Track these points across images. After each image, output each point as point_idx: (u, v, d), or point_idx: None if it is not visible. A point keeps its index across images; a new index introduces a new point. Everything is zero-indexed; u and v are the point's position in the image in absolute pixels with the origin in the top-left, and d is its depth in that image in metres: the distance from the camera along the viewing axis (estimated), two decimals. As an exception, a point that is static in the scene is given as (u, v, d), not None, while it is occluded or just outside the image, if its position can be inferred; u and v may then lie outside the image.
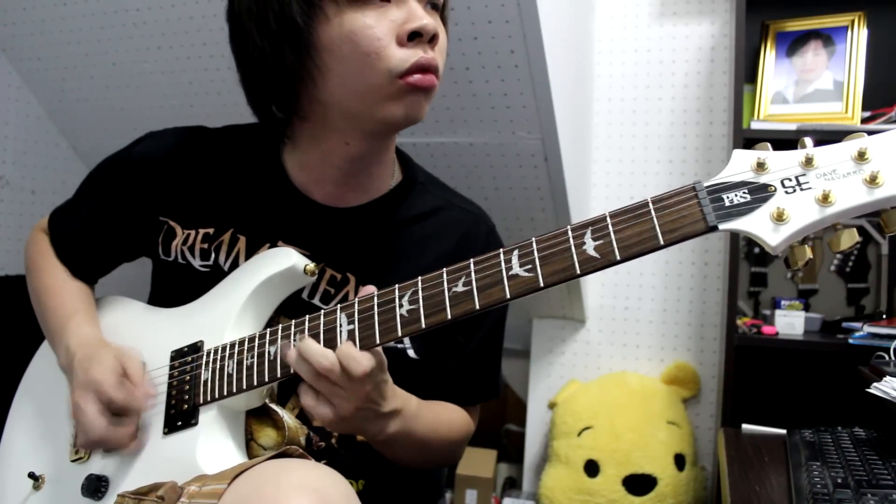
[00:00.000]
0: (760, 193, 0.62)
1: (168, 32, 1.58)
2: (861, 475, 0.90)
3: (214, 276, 0.92)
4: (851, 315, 1.81)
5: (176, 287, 0.96)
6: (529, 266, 0.68)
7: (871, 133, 0.61)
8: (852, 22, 1.72)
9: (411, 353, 0.93)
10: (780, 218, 0.60)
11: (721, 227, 0.62)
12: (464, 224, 0.99)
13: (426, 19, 0.79)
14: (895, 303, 1.76)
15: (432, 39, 0.81)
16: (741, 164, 0.63)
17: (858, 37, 1.71)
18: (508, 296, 0.68)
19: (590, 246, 0.66)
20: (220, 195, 0.95)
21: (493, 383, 1.05)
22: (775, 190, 0.61)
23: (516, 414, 2.22)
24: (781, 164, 0.62)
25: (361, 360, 0.72)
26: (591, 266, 0.66)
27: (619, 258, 0.65)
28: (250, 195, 0.94)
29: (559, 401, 1.97)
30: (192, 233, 0.94)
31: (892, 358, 1.36)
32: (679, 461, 1.78)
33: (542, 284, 0.67)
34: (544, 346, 2.12)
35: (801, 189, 0.61)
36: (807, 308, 1.79)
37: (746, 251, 1.89)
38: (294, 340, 0.79)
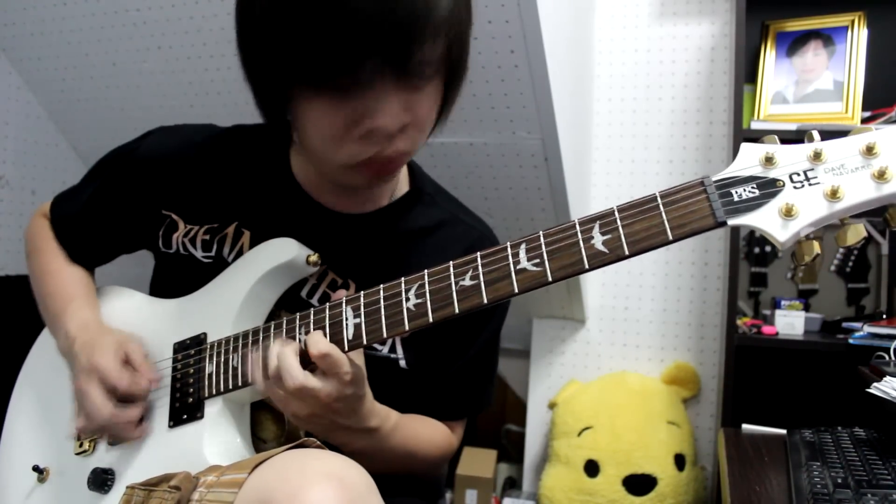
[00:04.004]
0: (769, 188, 0.62)
1: (168, 32, 1.58)
2: (861, 475, 0.90)
3: (217, 267, 0.91)
4: (851, 315, 1.81)
5: (178, 279, 0.95)
6: (538, 260, 0.68)
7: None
8: (852, 22, 1.73)
9: (402, 363, 0.92)
10: (788, 213, 0.60)
11: (730, 222, 0.62)
12: (468, 240, 0.97)
13: (385, 118, 0.72)
14: (895, 303, 1.77)
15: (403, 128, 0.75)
16: (749, 159, 0.63)
17: (858, 37, 1.72)
18: (516, 290, 0.68)
19: (598, 240, 0.66)
20: (226, 193, 0.94)
21: (484, 397, 1.04)
22: (784, 185, 0.61)
23: (516, 414, 2.22)
24: (790, 158, 0.62)
25: (296, 375, 0.73)
26: (600, 261, 0.66)
27: (627, 253, 0.65)
28: (257, 195, 0.94)
29: (559, 401, 1.97)
30: (195, 227, 0.94)
31: (892, 358, 1.36)
32: (679, 461, 1.78)
33: (550, 279, 0.67)
34: (544, 346, 2.12)
35: (810, 184, 0.61)
36: (807, 308, 1.79)
37: (746, 251, 1.89)
38: (300, 335, 0.79)
